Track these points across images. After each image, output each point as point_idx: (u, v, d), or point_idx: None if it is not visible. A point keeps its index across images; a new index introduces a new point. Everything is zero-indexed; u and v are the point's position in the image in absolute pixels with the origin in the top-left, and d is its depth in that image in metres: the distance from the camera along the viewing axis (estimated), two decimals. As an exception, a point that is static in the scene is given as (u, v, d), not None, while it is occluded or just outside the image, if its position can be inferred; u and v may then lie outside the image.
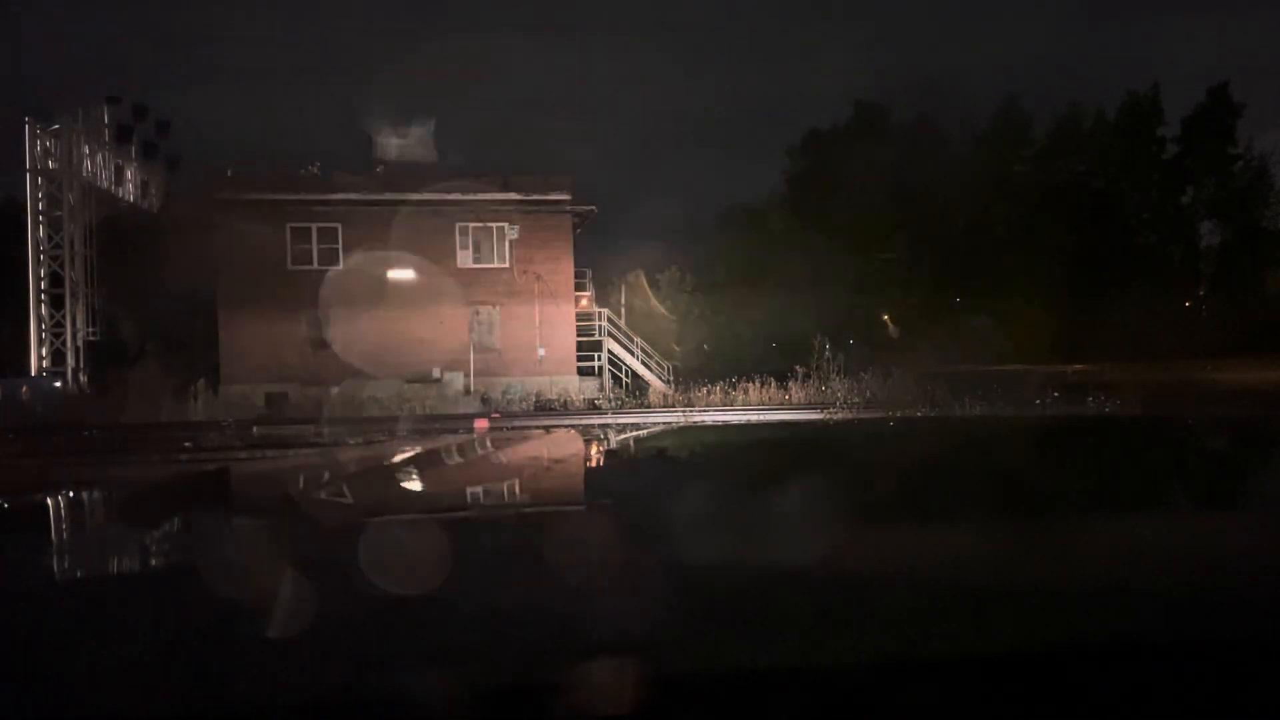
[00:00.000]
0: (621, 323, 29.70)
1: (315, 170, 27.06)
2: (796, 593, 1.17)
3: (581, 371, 27.27)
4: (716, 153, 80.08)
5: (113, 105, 27.71)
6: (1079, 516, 1.83)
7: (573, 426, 13.18)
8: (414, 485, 2.75)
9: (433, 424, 17.00)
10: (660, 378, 28.32)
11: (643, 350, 29.09)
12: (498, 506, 2.24)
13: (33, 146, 25.99)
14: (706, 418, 16.71)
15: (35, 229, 26.23)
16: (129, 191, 28.17)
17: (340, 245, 26.24)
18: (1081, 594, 1.13)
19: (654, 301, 35.44)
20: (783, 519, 1.69)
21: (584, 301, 28.37)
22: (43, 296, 26.38)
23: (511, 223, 26.73)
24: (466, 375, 25.75)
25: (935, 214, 33.84)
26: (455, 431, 10.76)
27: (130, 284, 31.04)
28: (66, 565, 1.63)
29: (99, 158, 27.09)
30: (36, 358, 26.29)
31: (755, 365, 27.60)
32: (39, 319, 26.32)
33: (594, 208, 27.70)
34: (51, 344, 26.50)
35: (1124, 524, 1.69)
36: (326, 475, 3.11)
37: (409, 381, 23.87)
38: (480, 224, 26.76)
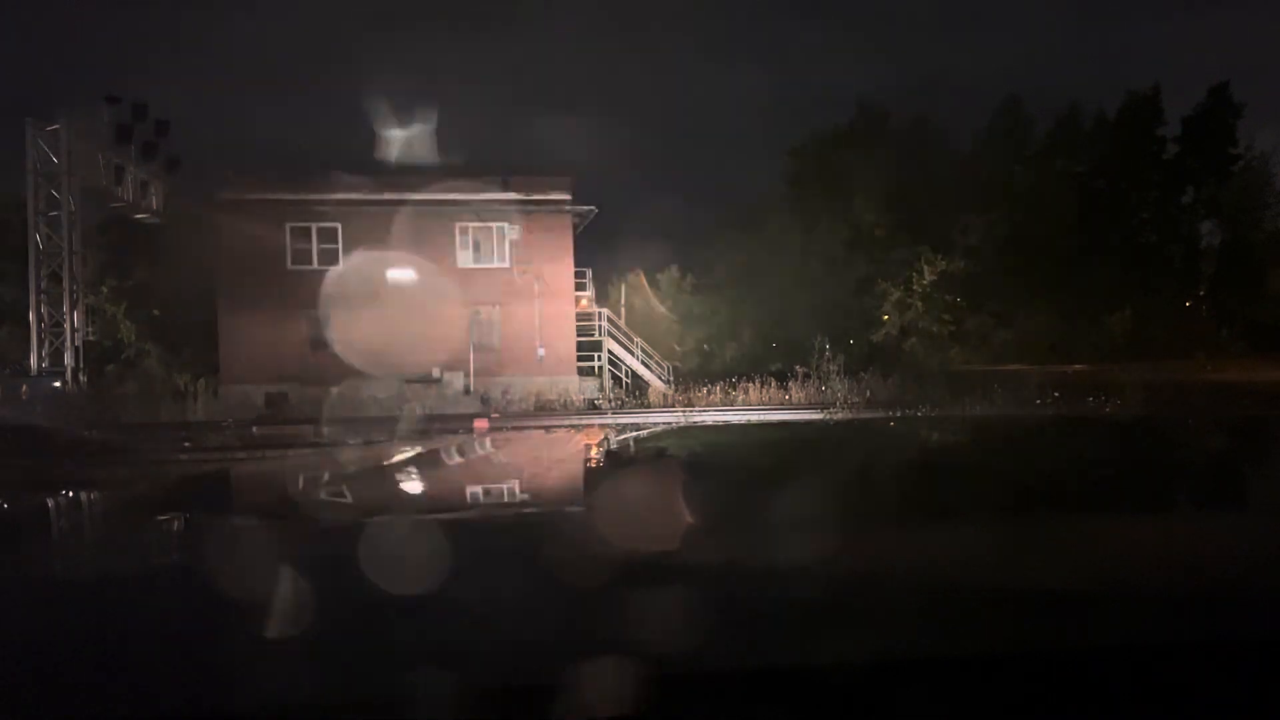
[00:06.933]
0: (621, 323, 29.70)
1: (315, 170, 27.07)
2: (797, 593, 1.17)
3: (581, 371, 27.27)
4: (716, 153, 79.98)
5: (113, 105, 27.62)
6: (1078, 516, 1.83)
7: (572, 427, 13.18)
8: (413, 486, 2.75)
9: (432, 424, 17.00)
10: (660, 378, 28.31)
11: (643, 350, 29.08)
12: (497, 507, 2.24)
13: (33, 146, 25.98)
14: (706, 418, 16.71)
15: (35, 229, 26.23)
16: (128, 192, 28.10)
17: (340, 245, 26.24)
18: (1081, 594, 1.13)
19: (654, 301, 35.45)
20: (783, 519, 1.69)
21: (584, 301, 28.36)
22: (42, 296, 26.37)
23: (511, 223, 26.73)
24: (466, 375, 25.74)
25: (935, 214, 33.83)
26: (455, 431, 10.76)
27: (130, 284, 31.08)
28: (65, 566, 1.63)
29: (98, 158, 27.05)
30: (36, 358, 26.28)
31: (755, 365, 27.61)
32: (38, 319, 26.30)
33: (594, 208, 27.71)
34: (51, 344, 26.49)
35: (1123, 524, 1.69)
36: (326, 476, 3.11)
37: (409, 381, 23.87)
38: (480, 224, 26.76)
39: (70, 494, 2.89)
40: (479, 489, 2.64)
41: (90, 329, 27.80)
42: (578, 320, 27.69)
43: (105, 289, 30.15)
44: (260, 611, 1.06)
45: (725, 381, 24.36)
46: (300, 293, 25.17)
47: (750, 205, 38.29)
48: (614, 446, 3.95)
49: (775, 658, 0.93)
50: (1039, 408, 17.19)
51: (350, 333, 24.44)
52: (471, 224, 26.78)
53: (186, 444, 14.12)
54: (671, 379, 28.27)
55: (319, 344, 25.14)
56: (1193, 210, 38.54)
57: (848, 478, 2.64)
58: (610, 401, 24.20)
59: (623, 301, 32.17)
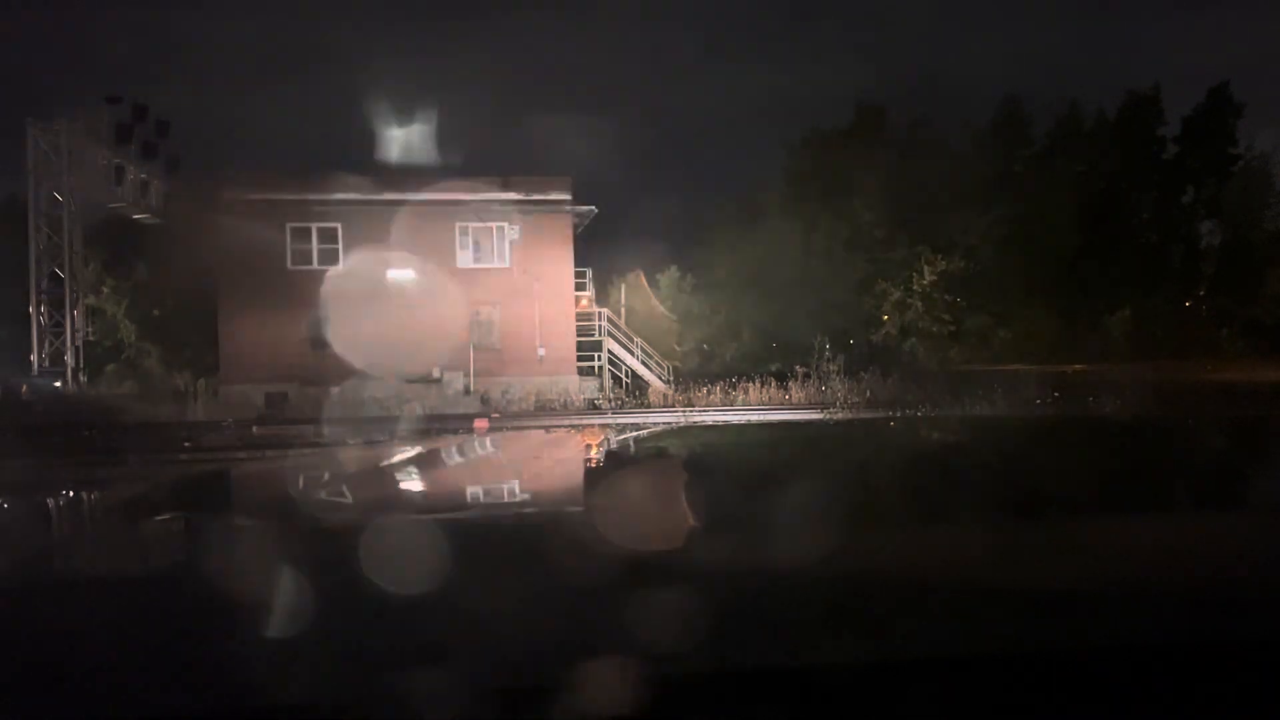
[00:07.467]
0: (621, 323, 29.69)
1: (315, 170, 27.07)
2: (797, 593, 1.17)
3: (581, 371, 27.27)
4: (717, 152, 79.79)
5: (113, 105, 27.62)
6: (1077, 517, 1.83)
7: (572, 427, 13.19)
8: (414, 486, 2.75)
9: (433, 424, 17.01)
10: (660, 378, 28.31)
11: (643, 350, 29.08)
12: (497, 507, 2.24)
13: (33, 146, 26.00)
14: (706, 418, 16.71)
15: (35, 229, 26.24)
16: (128, 191, 28.10)
17: (340, 245, 26.24)
18: (1081, 594, 1.13)
19: (654, 301, 35.42)
20: (782, 520, 1.69)
21: (584, 301, 28.36)
22: (42, 297, 26.38)
23: (511, 223, 26.73)
24: (466, 375, 25.74)
25: (935, 214, 33.83)
26: (455, 431, 10.76)
27: (130, 284, 31.08)
28: (66, 565, 1.63)
29: (99, 158, 27.05)
30: (36, 358, 26.30)
31: (755, 365, 27.61)
32: (38, 319, 26.32)
33: (594, 208, 27.70)
34: (51, 344, 26.49)
35: (1122, 524, 1.69)
36: (327, 476, 3.11)
37: (409, 381, 23.87)
38: (480, 224, 26.76)
39: (70, 494, 2.89)
40: (479, 489, 2.64)
41: (90, 329, 27.80)
42: (578, 320, 27.68)
43: (105, 289, 30.14)
44: (260, 611, 1.06)
45: (725, 381, 24.36)
46: (300, 293, 25.16)
47: (750, 205, 38.23)
48: (614, 446, 3.96)
49: (775, 658, 0.93)
50: (1039, 408, 17.19)
51: (350, 333, 24.43)
52: (471, 224, 26.77)
53: (186, 444, 14.12)
54: (671, 379, 28.26)
55: (319, 344, 25.12)
56: (1193, 210, 38.48)
57: (847, 478, 2.64)
58: (610, 401, 24.20)
59: (623, 301, 32.15)
